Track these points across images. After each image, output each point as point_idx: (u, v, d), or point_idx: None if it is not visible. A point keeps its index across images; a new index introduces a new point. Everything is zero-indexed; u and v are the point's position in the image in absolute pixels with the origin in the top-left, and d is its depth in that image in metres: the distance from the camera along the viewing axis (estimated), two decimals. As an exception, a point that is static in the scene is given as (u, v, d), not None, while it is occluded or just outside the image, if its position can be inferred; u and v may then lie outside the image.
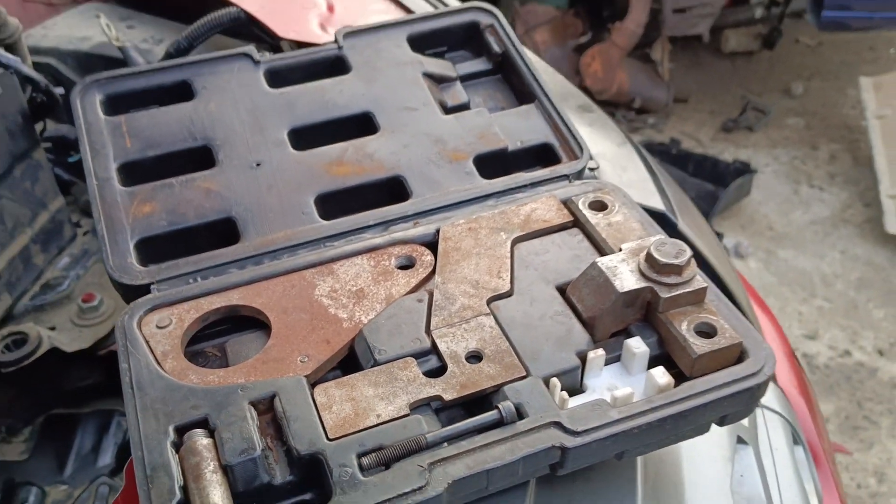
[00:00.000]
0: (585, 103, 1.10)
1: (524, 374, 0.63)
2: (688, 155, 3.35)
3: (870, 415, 2.39)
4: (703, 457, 0.73)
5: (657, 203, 0.95)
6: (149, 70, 0.89)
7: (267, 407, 0.61)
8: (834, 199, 3.32)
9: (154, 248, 0.75)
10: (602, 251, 0.74)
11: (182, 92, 0.88)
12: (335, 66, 0.93)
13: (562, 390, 0.62)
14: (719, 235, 2.98)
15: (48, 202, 1.22)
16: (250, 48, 0.92)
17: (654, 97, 3.79)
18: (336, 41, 0.95)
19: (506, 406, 0.59)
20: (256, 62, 0.91)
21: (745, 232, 3.13)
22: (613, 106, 3.72)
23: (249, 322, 0.70)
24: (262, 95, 0.88)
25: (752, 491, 0.76)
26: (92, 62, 1.31)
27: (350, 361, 0.66)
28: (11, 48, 1.15)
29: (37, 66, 1.18)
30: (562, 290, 0.70)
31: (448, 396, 0.61)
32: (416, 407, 0.61)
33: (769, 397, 0.92)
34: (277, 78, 0.91)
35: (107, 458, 1.17)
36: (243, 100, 0.88)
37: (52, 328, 1.16)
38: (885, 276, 2.90)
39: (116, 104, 0.87)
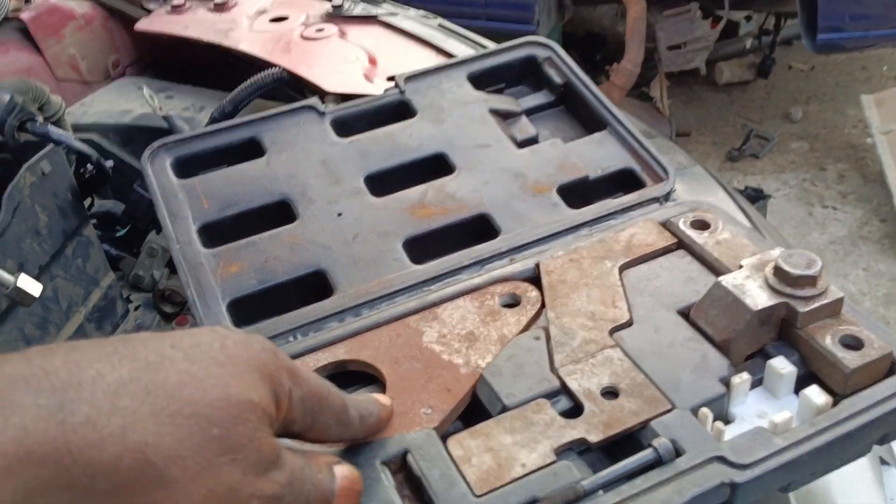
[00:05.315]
0: (645, 129, 1.08)
1: (669, 406, 0.58)
2: (700, 186, 3.33)
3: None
4: (854, 482, 0.67)
5: (743, 222, 0.91)
6: (216, 130, 0.87)
7: (399, 465, 0.57)
8: (849, 217, 3.30)
9: (246, 309, 0.72)
10: (716, 271, 0.70)
11: (251, 149, 0.86)
12: (400, 110, 0.92)
13: (714, 420, 0.57)
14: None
15: (100, 279, 1.19)
16: (314, 100, 0.90)
17: (658, 133, 3.80)
18: (397, 86, 0.93)
19: (661, 443, 0.55)
20: (322, 113, 0.89)
21: (766, 257, 3.09)
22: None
23: (358, 377, 0.66)
24: (332, 146, 0.86)
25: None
26: (135, 134, 1.30)
27: (473, 409, 0.62)
28: (56, 126, 1.14)
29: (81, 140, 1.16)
30: (684, 314, 0.67)
31: (593, 438, 0.56)
32: (560, 452, 0.56)
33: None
34: (344, 127, 0.89)
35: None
36: (314, 151, 0.85)
37: (112, 409, 1.11)
38: (912, 290, 2.86)
39: (187, 166, 0.84)
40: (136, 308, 1.24)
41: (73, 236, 1.13)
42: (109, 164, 1.13)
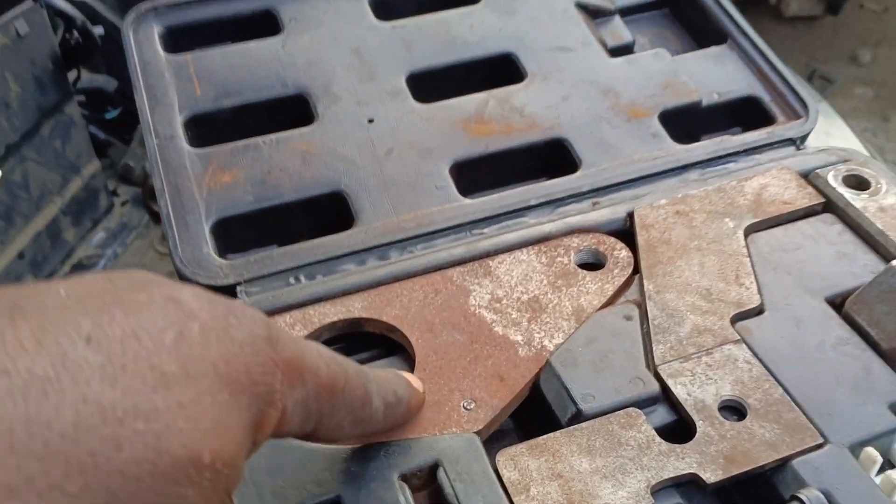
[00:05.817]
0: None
1: (820, 440, 0.40)
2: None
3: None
4: None
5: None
6: (221, -7, 0.67)
7: (423, 481, 0.40)
8: (910, 175, 3.05)
9: (236, 233, 0.54)
10: (881, 248, 0.51)
11: (265, 24, 0.67)
12: (460, -8, 0.71)
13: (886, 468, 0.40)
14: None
15: (81, 166, 1.02)
16: (350, -33, 0.70)
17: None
18: (459, -39, 0.72)
19: (812, 496, 0.37)
20: (359, -14, 0.69)
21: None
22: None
23: (377, 342, 0.48)
24: (369, 30, 0.66)
25: None
26: None
27: (531, 408, 0.45)
28: (40, -20, 0.94)
29: (70, 3, 0.97)
30: (835, 304, 0.48)
31: (710, 476, 0.39)
32: (658, 490, 0.39)
33: None
34: (386, 8, 0.69)
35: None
36: (345, 35, 0.66)
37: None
38: (972, 256, 2.64)
39: (180, 39, 0.65)
40: (123, 204, 1.07)
41: (52, 113, 0.95)
42: (99, 30, 0.94)
